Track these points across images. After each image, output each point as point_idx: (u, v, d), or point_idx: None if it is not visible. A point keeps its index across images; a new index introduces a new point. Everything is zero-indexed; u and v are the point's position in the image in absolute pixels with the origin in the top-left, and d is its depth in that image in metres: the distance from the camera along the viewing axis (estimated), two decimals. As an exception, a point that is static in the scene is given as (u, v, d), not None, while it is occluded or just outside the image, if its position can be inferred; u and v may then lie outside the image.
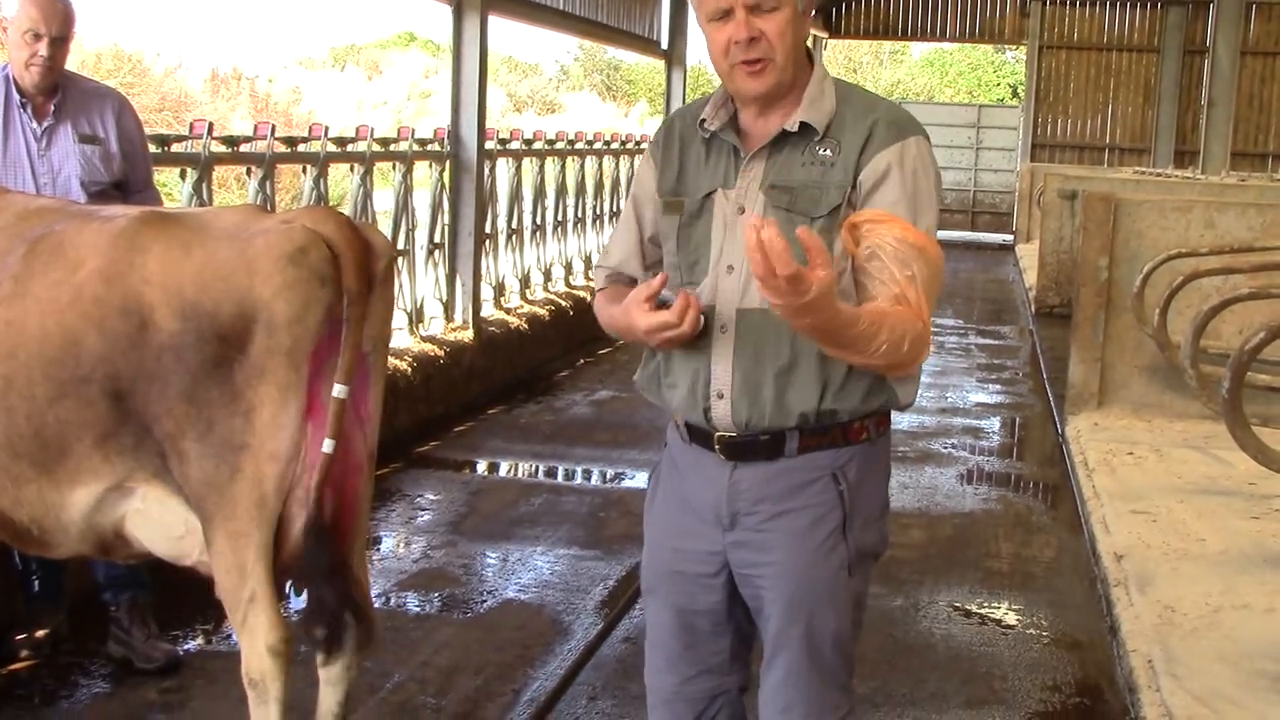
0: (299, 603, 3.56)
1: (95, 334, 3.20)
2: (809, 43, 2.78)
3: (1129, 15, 25.39)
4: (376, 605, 4.78)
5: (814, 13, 2.69)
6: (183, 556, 3.41)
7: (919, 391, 2.82)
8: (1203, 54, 23.14)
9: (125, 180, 4.74)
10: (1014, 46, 34.06)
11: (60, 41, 4.48)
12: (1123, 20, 25.45)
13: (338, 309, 3.26)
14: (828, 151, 2.64)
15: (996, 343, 13.34)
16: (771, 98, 2.66)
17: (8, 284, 3.29)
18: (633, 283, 2.85)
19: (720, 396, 2.68)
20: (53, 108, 4.57)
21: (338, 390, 3.23)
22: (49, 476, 3.30)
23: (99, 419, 3.23)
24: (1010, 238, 24.71)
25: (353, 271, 3.27)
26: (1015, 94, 41.36)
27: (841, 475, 2.70)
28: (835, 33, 26.40)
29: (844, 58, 45.88)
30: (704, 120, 2.75)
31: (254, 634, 3.28)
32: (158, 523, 3.36)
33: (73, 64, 4.80)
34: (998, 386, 11.02)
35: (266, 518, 3.23)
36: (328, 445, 3.21)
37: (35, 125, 4.54)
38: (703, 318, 2.61)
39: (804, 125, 2.65)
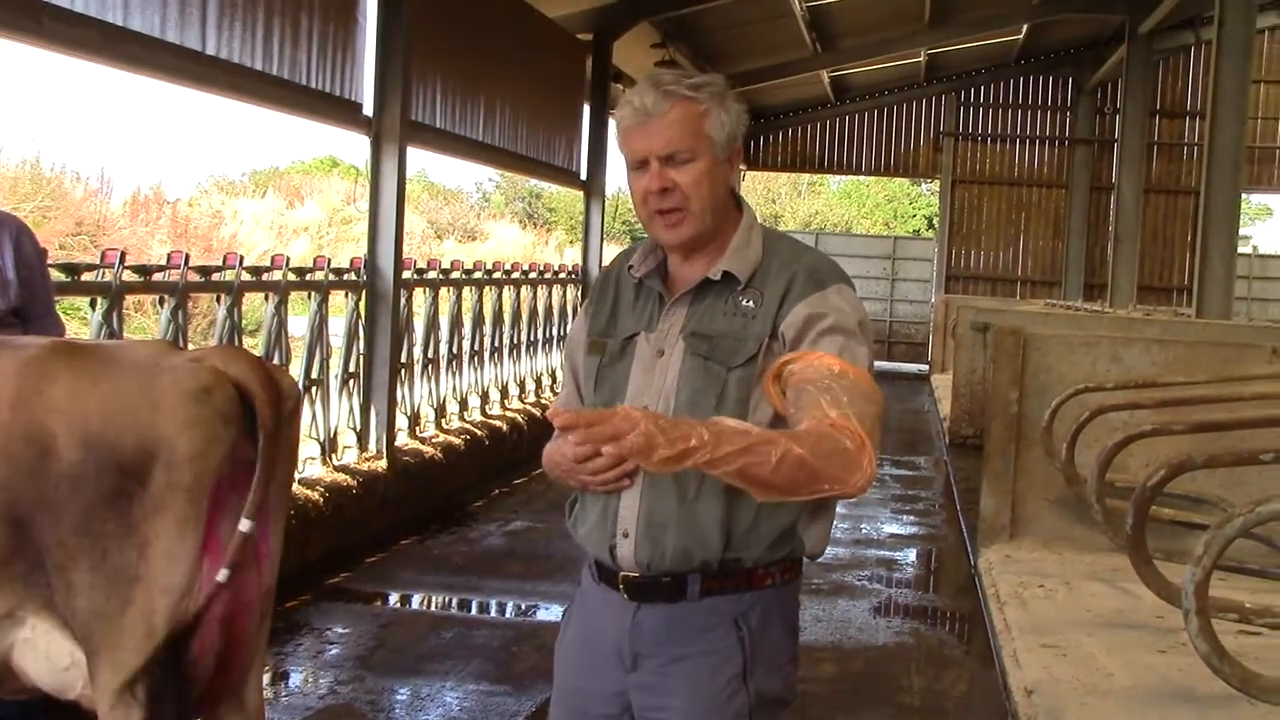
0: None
1: (0, 460, 3.17)
2: (737, 188, 2.80)
3: (1038, 152, 26.10)
4: (278, 745, 4.67)
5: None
6: (67, 689, 3.35)
7: (829, 538, 2.81)
8: (1109, 191, 23.76)
9: (23, 307, 4.68)
10: (928, 180, 34.84)
11: None
12: (1032, 157, 26.15)
13: (241, 448, 3.27)
14: (749, 302, 2.65)
15: (911, 473, 13.45)
16: (690, 247, 2.69)
17: None
18: None
19: (625, 535, 2.67)
20: (-52, 235, 4.51)
21: (244, 525, 3.23)
22: None
23: None
24: (926, 368, 25.05)
25: (267, 411, 3.29)
26: (931, 225, 42.14)
27: (743, 621, 2.67)
28: (754, 165, 26.86)
29: (763, 189, 46.62)
30: (632, 266, 2.78)
31: None
32: (44, 653, 3.30)
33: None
34: (912, 517, 11.09)
35: (153, 651, 3.19)
36: (222, 575, 3.21)
37: (-70, 254, 4.48)
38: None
39: (726, 274, 2.67)
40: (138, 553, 3.16)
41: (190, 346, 6.97)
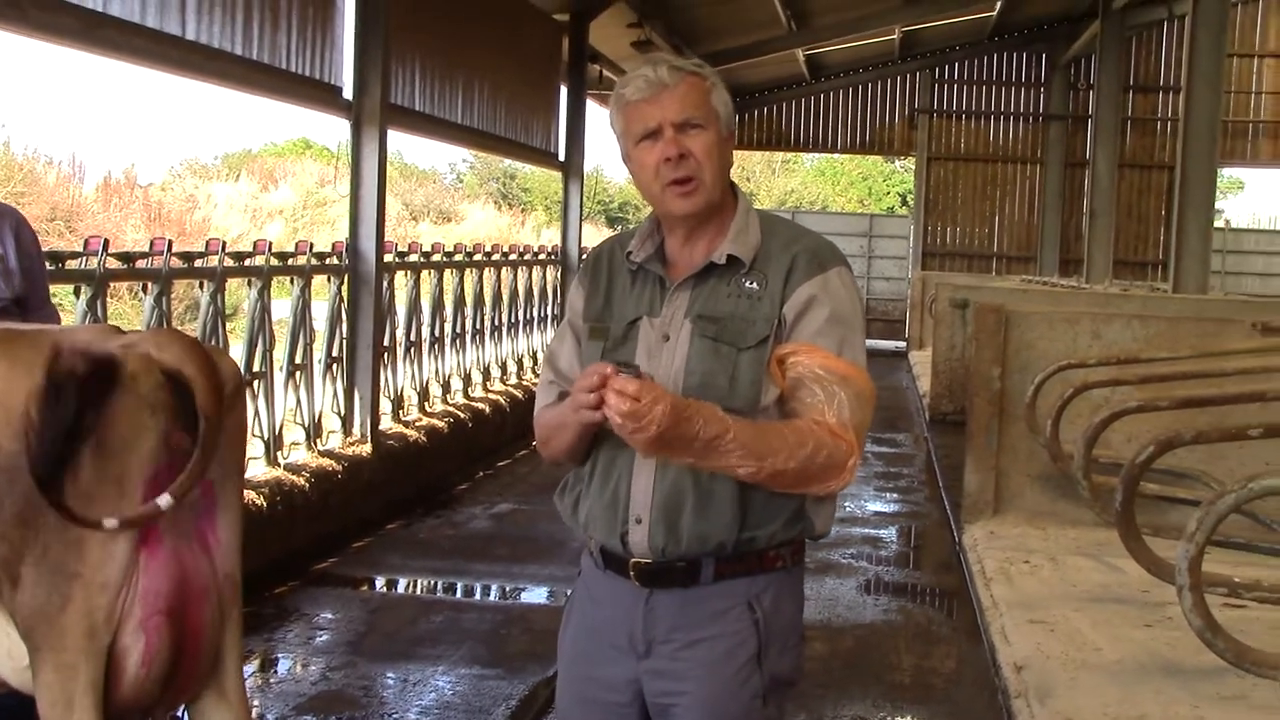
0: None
1: None
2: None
3: (1013, 128, 26.21)
4: (275, 732, 4.68)
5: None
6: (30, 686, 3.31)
7: (834, 518, 2.85)
8: (1083, 166, 23.86)
9: (24, 297, 4.67)
10: (903, 157, 34.89)
11: None
12: (1007, 133, 26.24)
13: (176, 437, 3.19)
14: (754, 284, 2.68)
15: (892, 450, 13.50)
16: (700, 218, 2.70)
17: None
18: None
19: (639, 521, 2.67)
20: (-54, 227, 4.50)
21: (162, 500, 3.11)
22: None
23: None
24: (903, 344, 25.13)
25: (204, 394, 3.18)
26: (905, 203, 42.28)
27: (757, 603, 2.70)
28: (729, 144, 26.82)
29: (738, 167, 46.54)
30: (630, 252, 2.79)
31: None
32: (6, 651, 3.26)
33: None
34: (895, 495, 11.14)
35: (96, 650, 3.13)
36: (164, 500, 3.11)
37: (-71, 246, 4.47)
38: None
39: (731, 258, 2.70)
40: (74, 548, 3.10)
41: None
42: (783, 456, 2.52)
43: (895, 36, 24.07)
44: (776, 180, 49.94)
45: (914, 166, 27.81)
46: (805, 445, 2.54)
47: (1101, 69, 21.17)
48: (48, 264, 6.26)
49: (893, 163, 46.36)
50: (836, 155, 42.20)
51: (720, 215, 2.73)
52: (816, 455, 2.55)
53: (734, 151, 2.78)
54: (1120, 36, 21.65)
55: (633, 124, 2.67)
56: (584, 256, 2.73)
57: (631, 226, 2.89)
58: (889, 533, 9.75)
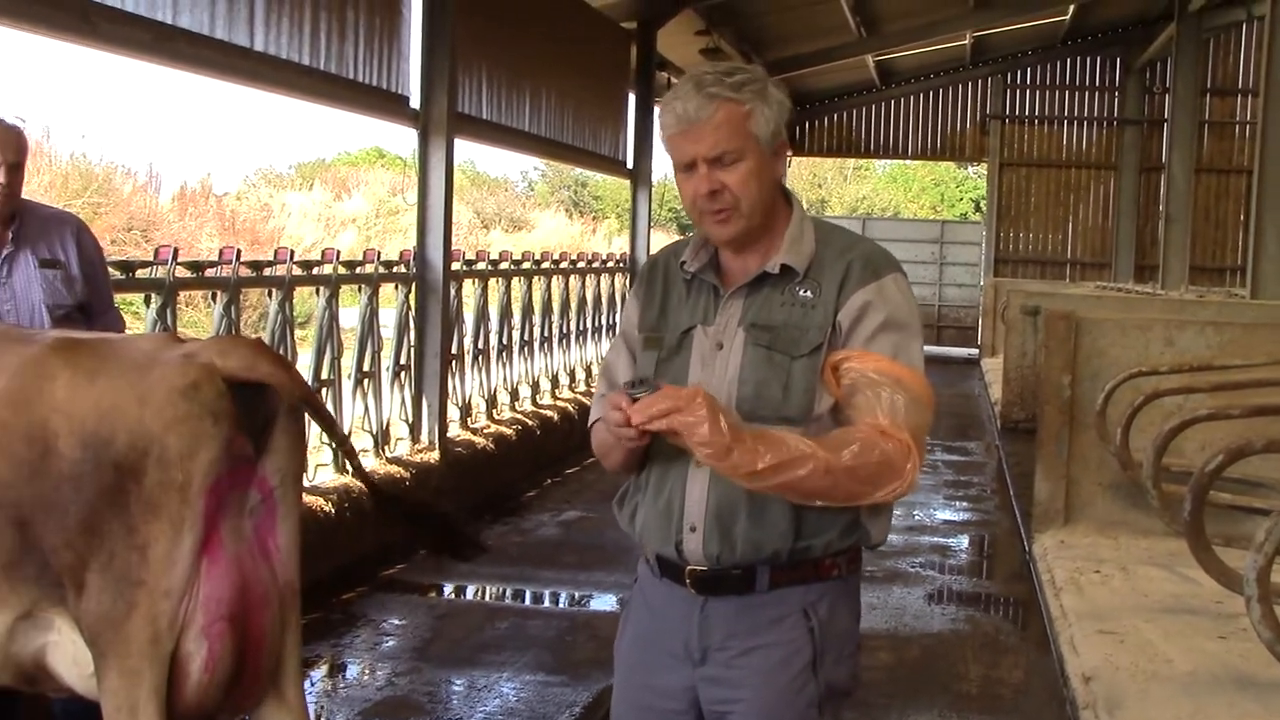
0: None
1: (2, 460, 3.17)
2: (784, 179, 2.81)
3: (1086, 133, 25.88)
4: (338, 737, 4.71)
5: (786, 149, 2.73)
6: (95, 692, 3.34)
7: (890, 527, 2.82)
8: (1159, 171, 23.53)
9: (87, 303, 4.74)
10: (975, 163, 34.62)
11: (15, 168, 4.48)
12: (1080, 138, 25.93)
13: (237, 445, 3.23)
14: (808, 293, 2.66)
15: (963, 459, 13.39)
16: (742, 242, 2.70)
17: None
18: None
19: (693, 530, 2.67)
20: (11, 235, 4.57)
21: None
22: None
23: (4, 546, 3.18)
24: (975, 352, 24.90)
25: (291, 386, 3.29)
26: (978, 208, 41.93)
27: (812, 611, 2.69)
28: (800, 150, 26.77)
29: (809, 174, 46.49)
30: (684, 262, 2.78)
31: None
32: (72, 658, 3.29)
33: (41, 185, 4.81)
34: (965, 503, 11.04)
35: (160, 656, 3.17)
36: None
37: (-4, 253, 4.55)
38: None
39: (784, 267, 2.68)
40: (139, 555, 3.14)
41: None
42: (833, 454, 2.49)
43: (966, 42, 23.86)
44: (848, 187, 49.75)
45: (986, 172, 27.54)
46: (851, 443, 2.51)
47: (1177, 72, 20.86)
48: (118, 272, 6.37)
49: (965, 168, 46.00)
50: (908, 161, 42.03)
51: (773, 226, 2.72)
52: (868, 454, 2.50)
53: (802, 158, 2.76)
54: (1197, 39, 21.32)
55: (671, 154, 2.68)
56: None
57: (689, 235, 2.87)
58: (958, 541, 9.66)
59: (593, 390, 13.51)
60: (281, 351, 7.80)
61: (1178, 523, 5.41)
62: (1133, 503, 7.91)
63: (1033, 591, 7.64)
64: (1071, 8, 22.10)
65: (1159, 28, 22.92)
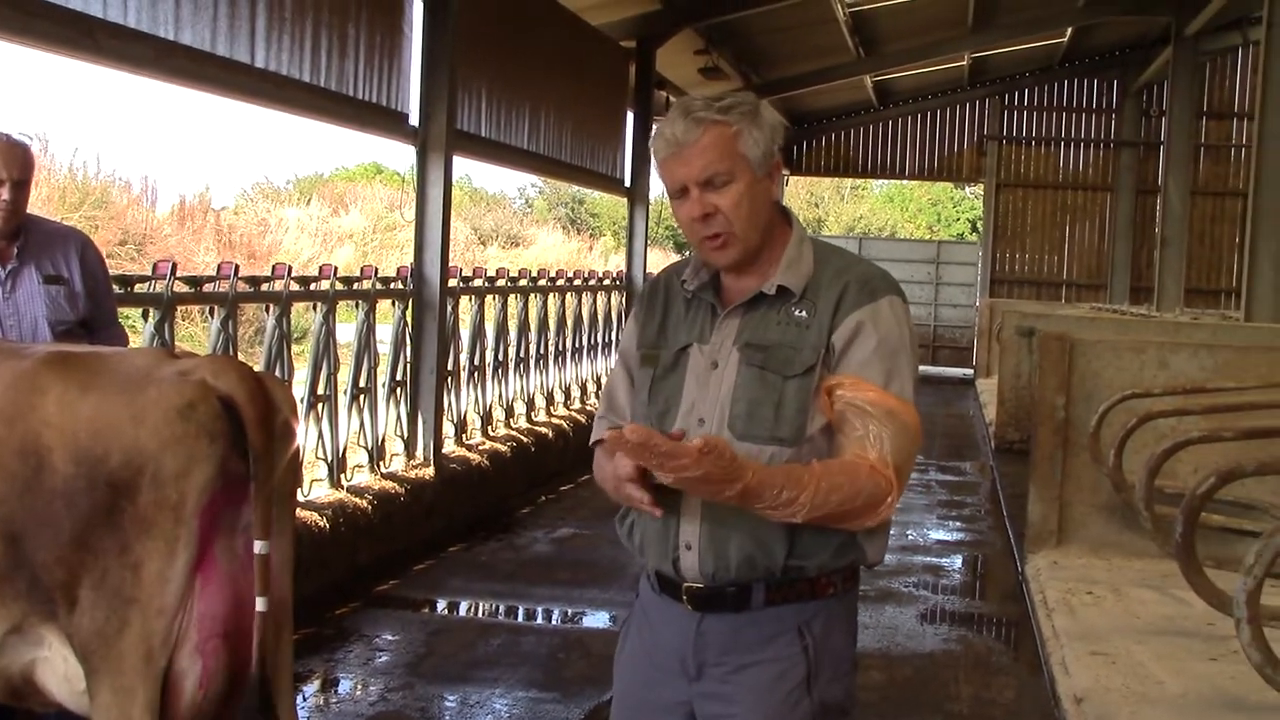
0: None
1: None
2: (780, 200, 2.83)
3: (1083, 155, 25.96)
4: (331, 752, 4.71)
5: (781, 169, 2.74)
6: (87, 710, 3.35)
7: (887, 547, 2.84)
8: (1155, 193, 23.59)
9: (90, 319, 4.76)
10: (972, 183, 34.67)
11: (21, 185, 4.51)
12: (1077, 160, 26.00)
13: (232, 463, 3.24)
14: (803, 313, 2.68)
15: (957, 479, 13.40)
16: (740, 265, 2.72)
17: None
18: None
19: (689, 547, 2.69)
20: (16, 251, 4.60)
21: (259, 546, 3.22)
22: None
23: None
24: (970, 372, 24.93)
25: (255, 427, 3.24)
26: (975, 229, 41.96)
27: (807, 629, 2.71)
28: (797, 169, 26.81)
29: (806, 193, 46.54)
30: (684, 280, 2.80)
31: None
32: (63, 674, 3.30)
33: (39, 198, 4.84)
34: (958, 524, 11.05)
35: (153, 674, 3.18)
36: (260, 604, 3.22)
37: (0, 269, 4.57)
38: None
39: (781, 288, 2.70)
40: (132, 572, 3.15)
41: (240, 356, 7.04)
42: (819, 492, 2.51)
43: (964, 63, 23.93)
44: (845, 206, 49.76)
45: (983, 193, 27.62)
46: (850, 475, 2.55)
47: (1174, 95, 20.91)
48: (117, 287, 6.38)
49: (962, 189, 46.04)
50: (905, 181, 42.08)
51: (771, 246, 2.74)
52: (853, 500, 2.55)
53: (799, 177, 2.78)
54: (1194, 62, 21.36)
55: (664, 180, 2.71)
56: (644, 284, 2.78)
57: (688, 254, 2.90)
58: (951, 561, 9.68)
59: (588, 408, 13.56)
60: (278, 367, 7.83)
61: (1170, 545, 5.42)
62: (1125, 524, 7.92)
63: (1025, 612, 7.65)
64: (1069, 30, 22.20)
65: (1156, 51, 23.00)
